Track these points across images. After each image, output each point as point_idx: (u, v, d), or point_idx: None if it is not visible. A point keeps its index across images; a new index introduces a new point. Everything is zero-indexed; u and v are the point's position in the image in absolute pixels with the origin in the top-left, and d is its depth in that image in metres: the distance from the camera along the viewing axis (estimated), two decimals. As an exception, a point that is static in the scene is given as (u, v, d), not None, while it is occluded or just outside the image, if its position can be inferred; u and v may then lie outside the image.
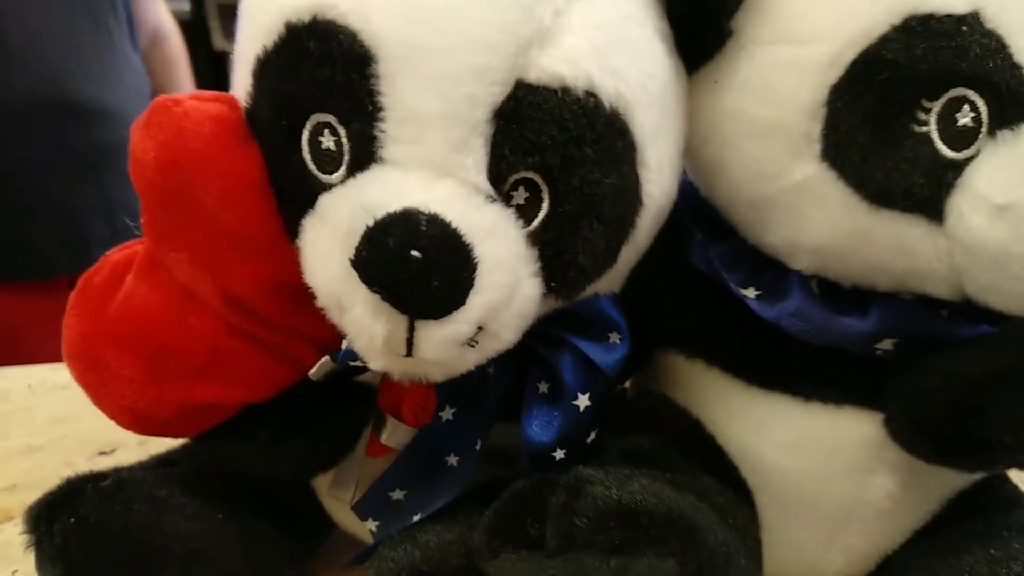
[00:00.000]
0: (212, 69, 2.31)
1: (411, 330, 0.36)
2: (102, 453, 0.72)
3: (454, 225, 0.35)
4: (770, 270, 0.46)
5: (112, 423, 0.45)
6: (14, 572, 0.58)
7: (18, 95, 1.08)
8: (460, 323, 0.36)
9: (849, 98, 0.39)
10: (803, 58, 0.40)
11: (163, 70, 1.39)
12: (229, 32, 0.44)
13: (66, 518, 0.45)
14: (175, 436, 0.47)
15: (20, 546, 0.46)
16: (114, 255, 0.47)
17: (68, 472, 0.49)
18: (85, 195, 1.15)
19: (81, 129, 1.14)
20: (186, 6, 2.43)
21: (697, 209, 0.49)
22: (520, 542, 0.40)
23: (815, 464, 0.48)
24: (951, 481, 0.50)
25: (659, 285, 0.50)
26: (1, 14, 1.07)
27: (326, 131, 0.38)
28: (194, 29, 2.29)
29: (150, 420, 0.44)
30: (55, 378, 0.86)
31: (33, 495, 0.47)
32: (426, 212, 0.35)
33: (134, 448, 0.71)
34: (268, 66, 0.40)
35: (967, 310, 0.43)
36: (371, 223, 0.35)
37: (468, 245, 0.35)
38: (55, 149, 1.11)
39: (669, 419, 0.51)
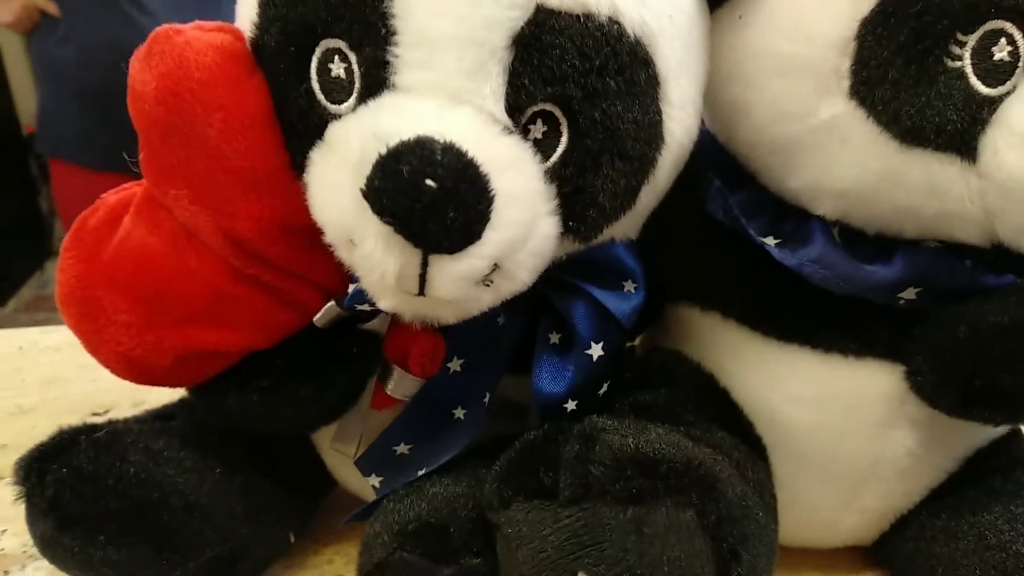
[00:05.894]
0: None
1: (424, 266, 0.35)
2: (95, 414, 0.70)
3: (470, 155, 0.34)
4: (790, 218, 0.45)
5: (105, 385, 0.43)
6: (3, 531, 0.56)
7: None
8: (476, 259, 0.35)
9: (881, 32, 0.38)
10: None
11: None
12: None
13: (58, 469, 0.44)
14: (173, 385, 0.45)
15: (11, 505, 0.45)
16: (111, 197, 0.45)
17: (60, 433, 0.48)
18: None
19: None
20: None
21: (714, 157, 0.47)
22: (533, 491, 0.39)
23: (834, 419, 0.46)
24: (970, 438, 0.49)
25: (674, 235, 0.49)
26: None
27: (336, 58, 0.37)
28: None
29: (147, 368, 0.42)
30: (46, 340, 0.84)
31: (24, 455, 0.46)
32: (441, 140, 0.33)
33: (128, 410, 0.69)
34: None
35: (993, 259, 0.42)
36: (383, 151, 0.33)
37: (485, 176, 0.34)
38: None
39: (682, 374, 0.50)
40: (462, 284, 0.36)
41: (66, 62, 1.48)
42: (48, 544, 0.44)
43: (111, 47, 1.37)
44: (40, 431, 0.48)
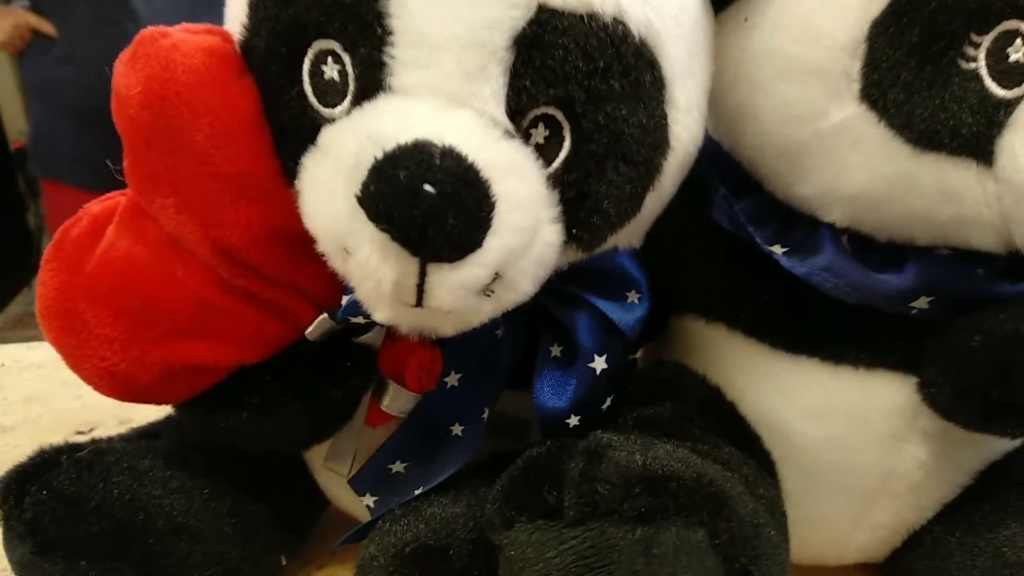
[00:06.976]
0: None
1: (422, 275, 0.33)
2: (79, 432, 0.68)
3: (470, 159, 0.32)
4: (798, 226, 0.44)
5: (90, 402, 0.42)
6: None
7: None
8: (476, 267, 0.33)
9: (892, 33, 0.37)
10: None
11: None
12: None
13: (38, 491, 0.42)
14: (158, 402, 0.43)
15: (-11, 529, 0.43)
16: (94, 206, 0.44)
17: (43, 452, 0.46)
18: None
19: None
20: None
21: (718, 163, 0.46)
22: (537, 511, 0.37)
23: (844, 432, 0.45)
24: (984, 451, 0.47)
25: (677, 244, 0.47)
26: None
27: (329, 59, 0.35)
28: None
29: (132, 384, 0.41)
30: (31, 356, 0.82)
31: (6, 476, 0.44)
32: (440, 144, 0.32)
33: (114, 427, 0.67)
34: None
35: (1007, 266, 0.41)
36: (380, 155, 0.32)
37: (486, 181, 0.32)
38: None
39: (687, 387, 0.49)
40: (462, 294, 0.34)
41: (63, 82, 1.46)
42: (27, 570, 0.42)
43: (111, 67, 1.37)
44: (23, 450, 0.46)
